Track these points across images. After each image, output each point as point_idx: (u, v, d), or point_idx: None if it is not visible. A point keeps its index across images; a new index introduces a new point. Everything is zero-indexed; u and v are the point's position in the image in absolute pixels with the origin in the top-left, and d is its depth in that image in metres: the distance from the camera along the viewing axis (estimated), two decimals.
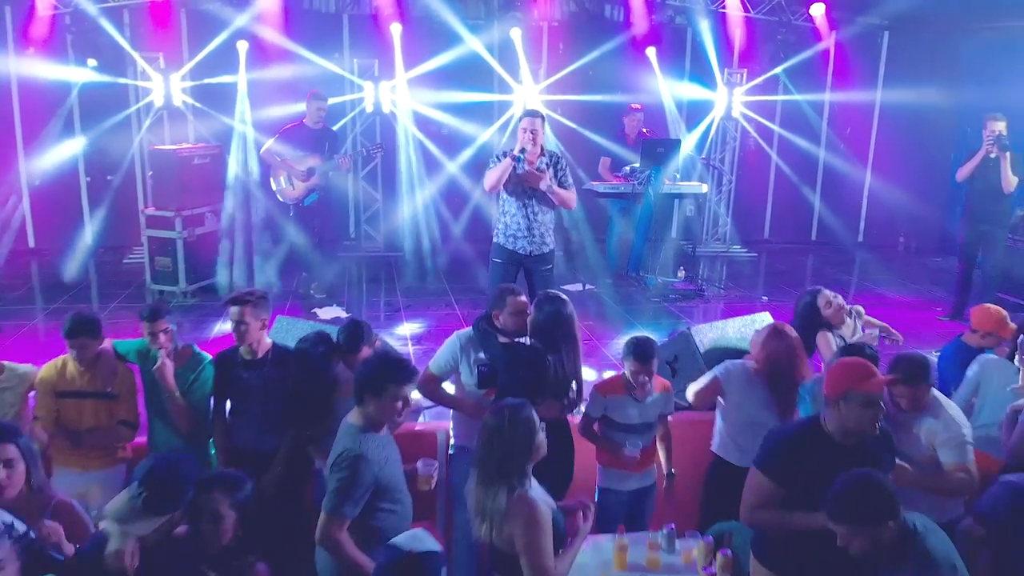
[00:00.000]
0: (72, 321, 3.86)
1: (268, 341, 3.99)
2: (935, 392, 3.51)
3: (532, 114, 5.51)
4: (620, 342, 6.59)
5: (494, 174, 5.39)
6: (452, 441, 4.12)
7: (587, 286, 8.24)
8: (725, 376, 3.88)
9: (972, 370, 4.14)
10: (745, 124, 10.36)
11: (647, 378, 3.81)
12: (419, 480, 3.27)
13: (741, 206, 10.75)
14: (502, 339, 3.87)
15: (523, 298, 3.97)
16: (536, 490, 2.80)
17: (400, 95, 9.32)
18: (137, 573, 2.53)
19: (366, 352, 3.84)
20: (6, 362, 4.01)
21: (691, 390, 3.99)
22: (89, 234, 9.48)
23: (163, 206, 7.46)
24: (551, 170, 5.45)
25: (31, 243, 9.38)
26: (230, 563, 2.71)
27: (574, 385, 3.88)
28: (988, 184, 7.03)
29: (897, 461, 3.17)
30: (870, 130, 10.95)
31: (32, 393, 3.99)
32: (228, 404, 4.04)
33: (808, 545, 2.82)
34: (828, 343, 4.45)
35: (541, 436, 2.80)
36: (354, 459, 2.89)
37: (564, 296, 3.86)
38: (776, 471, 2.94)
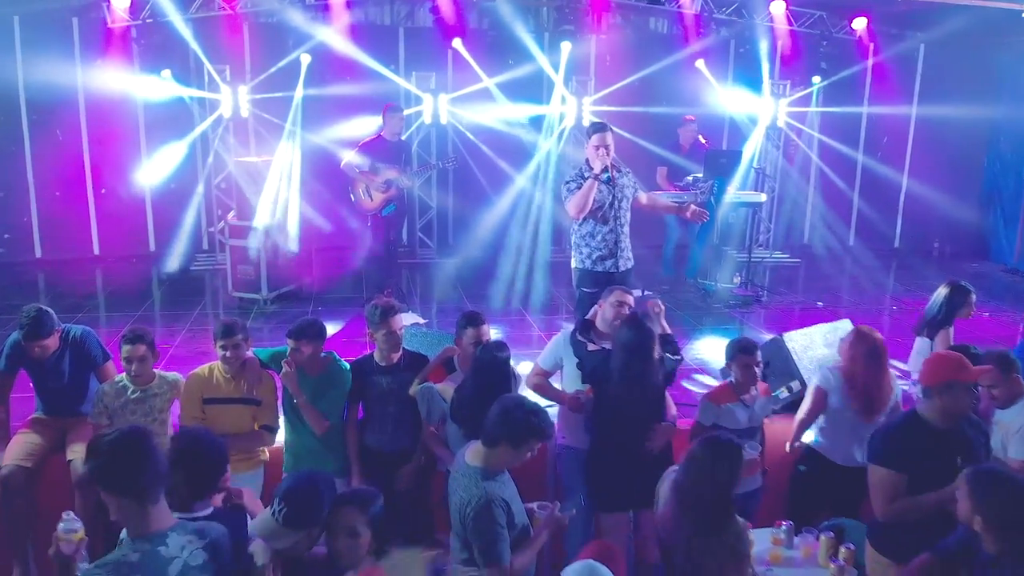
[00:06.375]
0: (223, 325, 4.14)
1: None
2: None
3: (602, 128, 5.27)
4: (691, 345, 6.94)
5: (579, 200, 5.13)
6: (558, 440, 4.30)
7: (645, 292, 8.43)
8: (825, 383, 4.21)
9: None
10: (790, 133, 10.53)
11: (758, 368, 4.09)
12: (533, 520, 3.25)
13: (784, 213, 10.97)
14: (591, 347, 4.11)
15: (631, 296, 4.21)
16: None
17: (462, 107, 9.54)
18: None
19: (471, 333, 4.09)
20: (156, 370, 4.28)
21: (801, 413, 4.25)
22: (152, 242, 9.75)
23: (245, 216, 7.51)
24: (628, 177, 5.42)
25: (96, 251, 9.57)
26: None
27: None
28: None
29: None
30: (906, 140, 11.16)
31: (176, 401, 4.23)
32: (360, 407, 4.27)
33: (928, 531, 3.08)
34: (948, 339, 4.71)
35: None
36: (484, 507, 2.94)
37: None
38: (895, 460, 3.28)
